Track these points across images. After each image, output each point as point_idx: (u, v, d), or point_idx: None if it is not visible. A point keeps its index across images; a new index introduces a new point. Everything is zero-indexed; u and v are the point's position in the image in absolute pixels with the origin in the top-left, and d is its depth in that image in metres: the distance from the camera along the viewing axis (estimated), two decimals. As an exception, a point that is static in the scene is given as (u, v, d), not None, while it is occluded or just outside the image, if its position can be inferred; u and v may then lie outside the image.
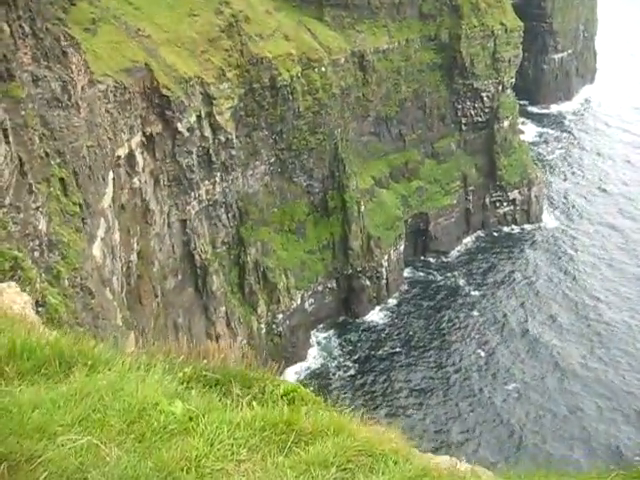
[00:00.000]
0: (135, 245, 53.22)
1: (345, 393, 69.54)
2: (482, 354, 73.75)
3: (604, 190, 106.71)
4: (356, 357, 74.74)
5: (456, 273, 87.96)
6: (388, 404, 67.64)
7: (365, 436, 5.55)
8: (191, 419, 5.22)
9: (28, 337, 6.34)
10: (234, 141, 67.55)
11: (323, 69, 75.93)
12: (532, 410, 65.88)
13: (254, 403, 6.16)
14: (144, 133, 56.74)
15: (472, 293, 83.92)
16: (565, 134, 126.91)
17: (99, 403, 5.22)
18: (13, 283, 10.83)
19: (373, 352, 75.24)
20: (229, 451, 5.06)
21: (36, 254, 24.84)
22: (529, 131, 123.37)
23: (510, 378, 70.24)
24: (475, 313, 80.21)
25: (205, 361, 6.68)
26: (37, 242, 25.16)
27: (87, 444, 4.79)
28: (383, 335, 77.70)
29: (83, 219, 35.83)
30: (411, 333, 77.66)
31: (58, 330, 7.89)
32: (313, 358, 74.70)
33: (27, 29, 32.00)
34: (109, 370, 5.99)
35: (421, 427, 64.48)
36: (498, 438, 63.27)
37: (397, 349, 75.42)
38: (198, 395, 5.93)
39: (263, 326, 71.27)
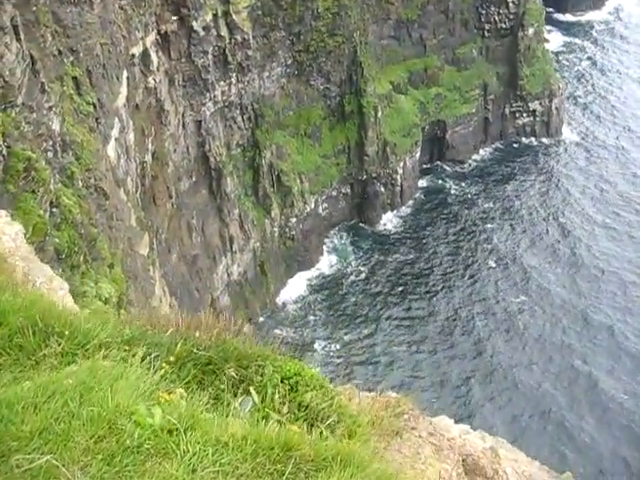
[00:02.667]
0: (150, 146, 53.07)
1: (355, 297, 70.56)
2: (493, 264, 74.15)
3: (629, 105, 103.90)
4: (368, 263, 75.40)
5: (471, 183, 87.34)
6: (399, 311, 68.65)
7: (377, 470, 4.72)
8: (171, 433, 4.37)
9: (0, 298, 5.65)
10: (251, 41, 66.14)
11: (343, -33, 73.38)
12: (540, 323, 66.77)
13: (252, 389, 5.51)
14: (159, 31, 55.65)
15: (486, 205, 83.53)
16: (592, 44, 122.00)
17: (63, 410, 4.38)
18: (3, 212, 10.11)
19: (385, 258, 75.81)
20: None
21: (50, 155, 24.82)
22: (554, 40, 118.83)
23: (521, 290, 70.78)
24: (489, 225, 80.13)
25: (197, 334, 5.84)
26: (50, 142, 25.09)
27: (46, 465, 4.00)
28: (396, 242, 78.08)
29: (97, 119, 35.64)
30: (424, 242, 77.95)
31: (33, 289, 7.03)
32: (325, 263, 75.45)
33: None
34: (85, 350, 5.30)
35: (433, 335, 65.65)
36: (511, 346, 64.46)
37: (409, 256, 75.92)
38: (183, 396, 4.98)
39: (276, 229, 71.73)
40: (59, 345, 5.24)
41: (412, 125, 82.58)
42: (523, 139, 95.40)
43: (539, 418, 57.31)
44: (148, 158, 52.55)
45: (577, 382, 60.16)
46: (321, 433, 5.30)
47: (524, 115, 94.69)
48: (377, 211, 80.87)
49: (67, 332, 5.36)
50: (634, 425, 55.62)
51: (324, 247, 77.50)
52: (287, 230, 72.80)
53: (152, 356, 5.35)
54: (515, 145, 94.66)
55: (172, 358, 5.50)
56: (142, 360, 5.22)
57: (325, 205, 77.92)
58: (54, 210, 23.75)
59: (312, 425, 5.49)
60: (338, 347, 64.43)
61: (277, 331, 66.46)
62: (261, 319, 68.18)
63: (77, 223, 25.47)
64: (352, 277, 73.57)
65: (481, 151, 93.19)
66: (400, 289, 71.48)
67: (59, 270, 23.22)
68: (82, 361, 5.11)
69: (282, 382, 5.75)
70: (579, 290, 70.07)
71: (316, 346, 64.71)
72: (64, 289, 8.87)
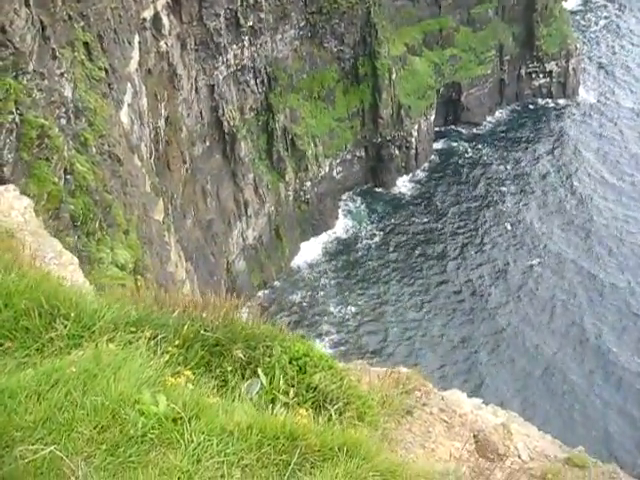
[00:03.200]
0: (163, 111, 52.90)
1: (370, 260, 70.60)
2: (509, 227, 73.80)
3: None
4: (383, 227, 75.29)
5: (486, 146, 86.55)
6: (413, 275, 68.65)
7: (384, 460, 4.64)
8: (175, 422, 4.30)
9: (5, 278, 5.60)
10: (263, 4, 65.39)
11: None
12: (553, 286, 66.67)
13: (259, 371, 5.43)
14: (170, -6, 55.08)
15: (501, 167, 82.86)
16: (610, 4, 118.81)
17: (67, 399, 4.31)
18: (12, 186, 10.05)
19: (400, 222, 75.62)
20: (219, 471, 4.13)
21: (62, 121, 24.78)
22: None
23: (535, 253, 70.50)
24: (503, 188, 79.58)
25: (204, 315, 5.72)
26: (63, 109, 25.04)
27: (50, 456, 3.96)
28: (410, 206, 77.80)
29: (109, 84, 35.49)
30: (438, 205, 77.61)
31: (41, 267, 6.92)
32: (340, 226, 75.41)
33: None
34: (91, 333, 5.24)
35: (446, 298, 65.72)
36: (524, 309, 64.47)
37: (424, 220, 75.69)
38: (190, 379, 4.96)
39: (291, 193, 71.65)
40: (65, 327, 5.17)
41: (427, 87, 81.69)
42: (539, 100, 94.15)
43: (549, 380, 57.52)
44: (161, 123, 52.42)
45: (588, 345, 60.20)
46: (330, 418, 5.24)
47: (540, 76, 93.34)
48: (392, 174, 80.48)
49: (73, 314, 5.30)
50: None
51: (339, 211, 77.39)
52: (302, 194, 72.70)
53: (159, 338, 5.32)
54: (531, 106, 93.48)
55: (179, 341, 5.43)
56: (149, 342, 5.17)
57: (339, 169, 77.64)
58: (68, 177, 23.79)
59: (321, 407, 5.43)
60: (353, 310, 64.66)
61: (293, 296, 66.79)
62: (276, 283, 68.45)
63: (91, 190, 25.51)
64: (367, 240, 73.54)
65: (496, 113, 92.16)
66: (415, 253, 71.37)
67: (75, 237, 23.37)
68: (87, 345, 5.04)
69: (290, 363, 5.67)
70: (592, 253, 69.77)
71: (331, 309, 64.98)
72: (74, 264, 8.83)
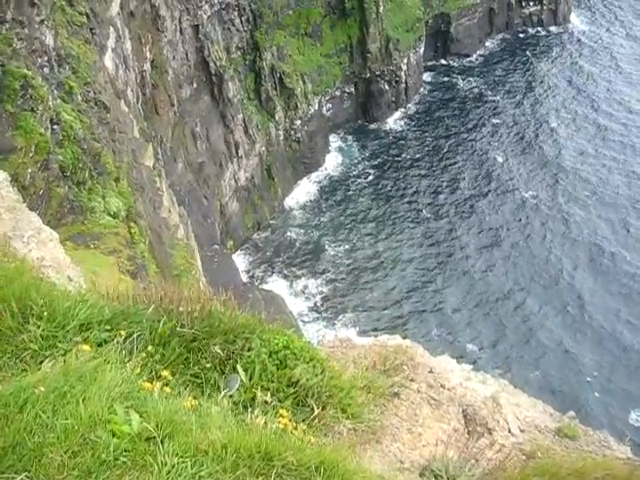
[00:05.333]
0: (148, 54, 52.17)
1: (362, 198, 70.58)
2: (499, 159, 73.63)
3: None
4: (375, 163, 75.05)
5: (477, 77, 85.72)
6: (406, 211, 68.69)
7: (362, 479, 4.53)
8: (149, 441, 4.14)
9: None
10: (245, -62, 63.87)
11: None
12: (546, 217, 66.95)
13: (239, 367, 5.31)
14: None
15: (493, 98, 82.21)
16: None
17: (36, 422, 4.11)
18: None
19: (392, 158, 75.37)
20: None
21: (46, 70, 24.47)
22: None
23: (526, 187, 70.51)
24: (496, 120, 79.08)
25: (181, 309, 5.53)
26: (45, 58, 24.69)
27: None
28: (402, 141, 77.45)
29: (91, 29, 34.89)
30: (430, 139, 77.26)
31: (17, 251, 6.66)
32: (332, 164, 75.18)
33: None
34: (65, 332, 5.09)
35: (439, 234, 65.91)
36: (515, 238, 64.85)
37: (416, 156, 75.41)
38: (169, 381, 4.87)
39: (281, 132, 71.20)
40: (38, 328, 5.01)
41: (415, 19, 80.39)
42: (530, 29, 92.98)
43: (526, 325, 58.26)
44: (147, 67, 51.77)
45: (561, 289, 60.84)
46: (311, 415, 5.18)
47: (530, 4, 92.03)
48: (382, 110, 79.87)
49: (46, 313, 5.12)
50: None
51: (329, 148, 77.04)
52: (292, 133, 72.22)
53: (134, 336, 5.18)
54: (521, 35, 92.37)
55: (155, 339, 5.28)
56: (125, 341, 5.06)
57: (329, 105, 77.00)
58: (55, 127, 23.64)
59: (302, 404, 5.36)
60: (347, 247, 64.94)
61: (287, 235, 66.98)
62: (271, 221, 68.57)
63: (79, 139, 25.36)
64: (359, 178, 73.35)
65: (487, 43, 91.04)
66: (407, 189, 71.31)
67: (65, 188, 23.36)
68: (62, 347, 4.89)
69: (270, 357, 5.52)
70: (585, 180, 69.86)
71: (325, 247, 65.24)
72: (53, 239, 8.66)
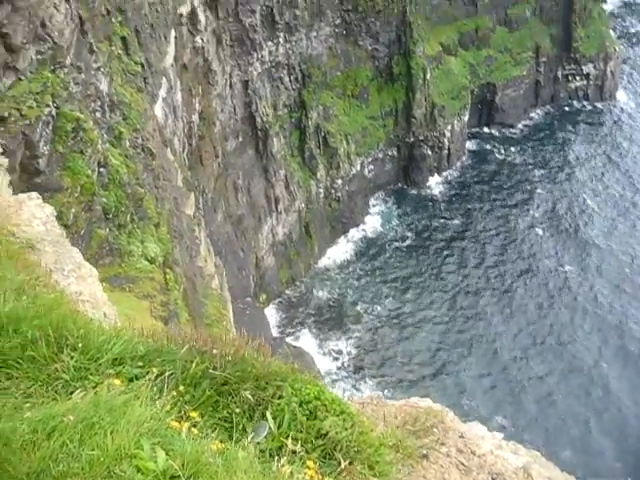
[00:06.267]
0: (197, 105, 53.29)
1: (399, 261, 70.39)
2: (540, 232, 73.06)
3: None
4: (413, 227, 74.99)
5: (520, 148, 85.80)
6: (443, 277, 68.26)
7: None
8: (173, 479, 4.08)
9: (18, 303, 5.45)
10: (299, 1, 65.54)
11: None
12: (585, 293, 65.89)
13: (268, 414, 5.24)
14: (207, -10, 55.46)
15: (533, 170, 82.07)
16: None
17: (62, 450, 4.09)
18: (34, 194, 9.93)
19: (430, 223, 75.26)
20: None
21: (98, 115, 25.12)
22: (612, 0, 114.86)
23: (565, 259, 69.73)
24: (539, 191, 78.78)
25: (214, 351, 5.54)
26: (99, 103, 25.38)
27: None
28: (441, 207, 77.43)
29: (145, 79, 35.85)
30: (470, 207, 77.11)
31: (57, 283, 6.80)
32: (370, 225, 75.31)
33: None
34: (97, 365, 5.12)
35: (474, 302, 65.29)
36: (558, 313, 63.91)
37: (455, 222, 75.22)
38: (197, 423, 4.83)
39: (322, 190, 71.72)
40: (72, 359, 5.03)
41: (461, 87, 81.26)
42: (575, 103, 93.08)
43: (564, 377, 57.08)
44: (195, 118, 52.81)
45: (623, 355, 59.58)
46: (338, 469, 5.06)
47: (577, 78, 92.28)
48: (423, 174, 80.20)
49: (81, 345, 5.14)
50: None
51: (369, 209, 77.31)
52: (332, 191, 72.72)
53: (166, 374, 5.17)
54: (567, 109, 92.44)
55: (185, 380, 5.25)
56: (156, 379, 5.05)
57: (371, 167, 77.54)
58: (102, 170, 24.12)
59: (330, 456, 5.24)
60: (379, 310, 64.57)
61: (320, 293, 66.88)
62: (306, 279, 68.58)
63: (124, 183, 25.82)
64: (396, 242, 73.28)
65: (532, 114, 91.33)
66: (444, 256, 70.95)
67: (106, 230, 23.69)
68: (93, 379, 4.89)
69: (301, 406, 5.41)
70: (617, 258, 68.81)
71: (358, 308, 64.95)
72: (93, 276, 8.77)
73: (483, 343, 61.18)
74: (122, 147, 27.48)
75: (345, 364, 59.24)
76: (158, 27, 40.36)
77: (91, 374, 5.01)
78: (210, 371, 5.37)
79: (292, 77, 68.08)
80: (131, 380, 5.03)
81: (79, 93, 22.82)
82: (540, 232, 73.06)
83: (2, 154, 11.62)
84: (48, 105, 19.48)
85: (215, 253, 46.59)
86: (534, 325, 62.49)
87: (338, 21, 71.18)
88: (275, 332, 59.99)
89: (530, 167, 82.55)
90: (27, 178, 18.00)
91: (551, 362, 59.01)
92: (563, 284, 66.76)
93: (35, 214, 9.23)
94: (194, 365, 5.36)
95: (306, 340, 61.25)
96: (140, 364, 5.24)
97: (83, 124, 21.79)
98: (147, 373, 5.10)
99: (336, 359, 59.76)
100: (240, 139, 62.44)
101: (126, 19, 33.45)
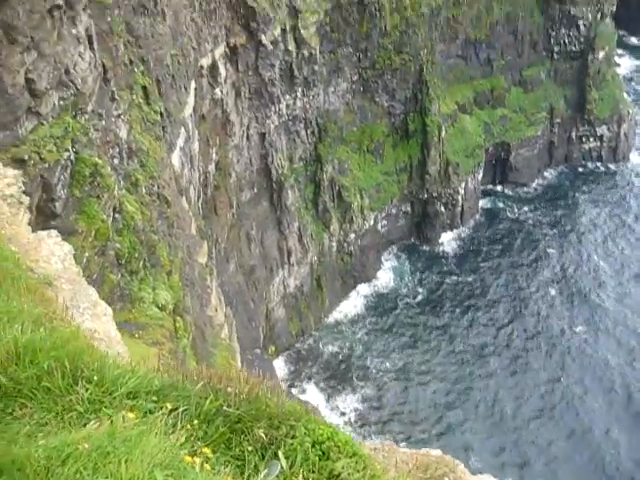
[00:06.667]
0: (214, 156, 53.87)
1: (409, 317, 70.03)
2: (552, 293, 72.55)
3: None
4: (425, 283, 74.79)
5: (534, 207, 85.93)
6: (454, 335, 67.71)
7: None
8: None
9: (35, 334, 5.52)
10: (317, 56, 66.70)
11: (413, -14, 73.49)
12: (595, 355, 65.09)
13: (280, 453, 5.23)
14: (228, 44, 56.53)
15: (549, 230, 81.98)
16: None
17: (76, 477, 4.14)
18: (54, 232, 10.14)
19: (442, 280, 75.05)
20: None
21: (116, 161, 25.38)
22: (625, 64, 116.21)
23: (576, 321, 69.08)
24: (551, 250, 78.58)
25: (229, 389, 5.61)
26: (117, 149, 25.67)
27: None
28: (453, 264, 77.29)
29: (164, 127, 36.32)
30: (482, 265, 76.90)
31: (70, 323, 6.81)
32: (382, 280, 75.15)
33: None
34: (112, 398, 5.17)
35: (484, 362, 64.64)
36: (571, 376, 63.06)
37: (467, 279, 74.92)
38: (209, 459, 4.85)
39: (334, 244, 71.84)
40: (87, 391, 5.08)
41: (475, 146, 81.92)
42: (589, 164, 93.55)
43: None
44: (211, 168, 53.32)
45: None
46: None
47: (591, 140, 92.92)
48: (436, 231, 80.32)
49: (96, 377, 5.19)
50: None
51: (381, 264, 77.24)
52: (345, 245, 72.85)
53: (180, 410, 5.20)
54: (580, 170, 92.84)
55: (199, 417, 5.27)
56: (170, 413, 5.09)
57: (384, 222, 77.77)
58: (117, 216, 24.25)
59: None
60: (388, 366, 64.01)
61: (330, 347, 66.46)
62: (315, 333, 68.23)
63: (138, 229, 25.93)
64: (408, 298, 73.01)
65: (545, 174, 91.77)
66: (455, 313, 70.51)
67: (118, 275, 23.71)
68: (107, 412, 4.91)
69: (313, 447, 5.40)
70: (626, 325, 67.98)
71: (367, 363, 64.41)
72: (107, 315, 8.87)
73: (491, 403, 60.30)
74: (138, 194, 27.68)
75: (352, 420, 58.52)
76: (179, 78, 41.06)
77: (105, 407, 5.03)
78: (224, 408, 5.38)
79: (309, 131, 68.87)
80: (145, 414, 5.05)
81: (98, 139, 23.10)
82: (552, 293, 72.53)
83: (23, 192, 11.77)
84: (68, 150, 19.70)
85: (226, 303, 46.48)
86: (544, 386, 61.62)
87: (355, 77, 72.29)
88: (283, 385, 59.45)
89: (542, 227, 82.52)
90: (43, 220, 18.10)
91: (561, 425, 57.98)
92: (573, 346, 65.99)
93: (54, 251, 9.34)
94: (208, 402, 5.37)
95: (313, 394, 60.64)
96: (154, 399, 5.26)
97: (101, 170, 21.99)
98: (161, 408, 5.12)
99: (343, 414, 59.06)
100: (255, 190, 62.91)
101: (148, 69, 34.06)
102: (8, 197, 10.72)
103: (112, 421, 4.66)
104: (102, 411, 4.96)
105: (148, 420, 4.81)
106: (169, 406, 5.11)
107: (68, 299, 8.01)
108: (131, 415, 4.81)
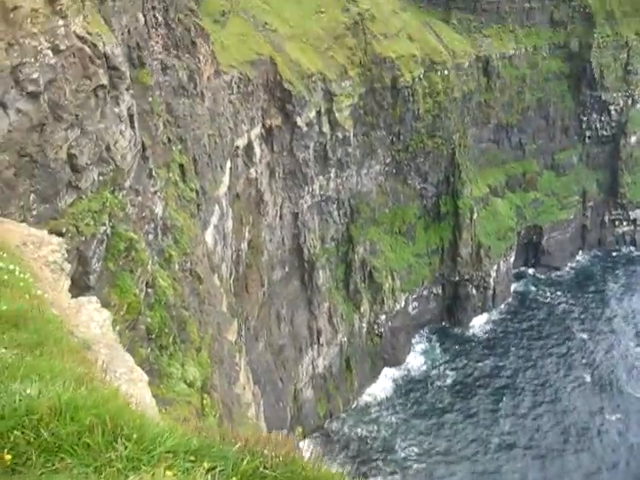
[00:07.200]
0: (247, 234, 54.35)
1: (440, 401, 68.63)
2: (588, 378, 70.80)
3: None
4: (456, 367, 73.53)
5: (567, 292, 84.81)
6: (485, 422, 66.05)
7: None
8: None
9: (76, 392, 5.65)
10: (351, 139, 67.86)
11: (446, 72, 75.06)
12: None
13: None
14: (264, 125, 57.84)
15: (582, 316, 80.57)
16: None
17: None
18: (94, 298, 10.45)
19: (473, 364, 73.77)
20: None
21: (150, 237, 25.71)
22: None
23: (606, 409, 67.14)
24: (584, 336, 77.10)
25: (265, 451, 5.63)
26: (152, 225, 26.04)
27: None
28: (485, 348, 76.07)
29: (198, 205, 36.86)
30: (514, 349, 75.59)
31: (110, 384, 6.97)
32: (412, 363, 74.06)
33: (160, 19, 33.22)
34: (150, 457, 5.20)
35: (517, 452, 62.78)
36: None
37: (499, 364, 73.55)
38: None
39: (364, 325, 71.33)
40: (126, 449, 5.12)
41: (508, 229, 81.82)
42: (623, 248, 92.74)
43: None
44: (244, 246, 53.73)
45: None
46: None
47: (624, 223, 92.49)
48: (468, 314, 79.50)
49: (135, 436, 5.25)
50: None
51: (412, 347, 76.30)
52: (375, 327, 72.27)
53: (217, 470, 5.20)
54: (614, 254, 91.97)
55: (237, 476, 5.25)
56: (207, 473, 5.10)
57: (415, 304, 77.24)
58: (149, 290, 24.40)
59: None
60: (415, 450, 62.43)
61: (358, 430, 65.12)
62: (343, 415, 67.00)
63: (170, 305, 26.03)
64: (438, 381, 71.73)
65: (578, 257, 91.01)
66: (487, 399, 68.95)
67: (148, 350, 23.68)
68: (145, 469, 4.94)
69: None
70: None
71: (395, 446, 62.88)
72: (143, 381, 8.98)
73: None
74: (171, 269, 27.91)
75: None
76: (215, 157, 41.92)
77: (144, 464, 5.03)
78: (261, 470, 5.35)
79: (341, 211, 69.43)
80: (183, 472, 5.07)
81: (135, 214, 23.48)
82: (584, 379, 70.79)
83: (66, 259, 12.03)
84: (104, 224, 20.02)
85: (254, 382, 46.03)
86: (572, 474, 59.44)
87: (388, 160, 73.23)
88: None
89: (574, 311, 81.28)
90: (77, 292, 18.23)
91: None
92: (602, 434, 63.95)
93: (93, 317, 9.57)
94: (245, 462, 5.33)
95: (340, 478, 59.08)
96: (192, 458, 5.24)
97: (136, 244, 22.27)
98: (199, 467, 5.14)
99: (369, 500, 57.51)
100: (286, 269, 63.09)
101: (185, 148, 34.85)
102: (51, 263, 11.02)
103: (154, 474, 4.71)
104: (140, 468, 5.00)
105: (186, 478, 4.84)
106: (206, 465, 5.11)
107: (106, 363, 8.15)
108: (169, 473, 4.85)
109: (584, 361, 73.59)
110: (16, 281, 8.35)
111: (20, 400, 5.31)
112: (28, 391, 5.45)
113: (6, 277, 8.25)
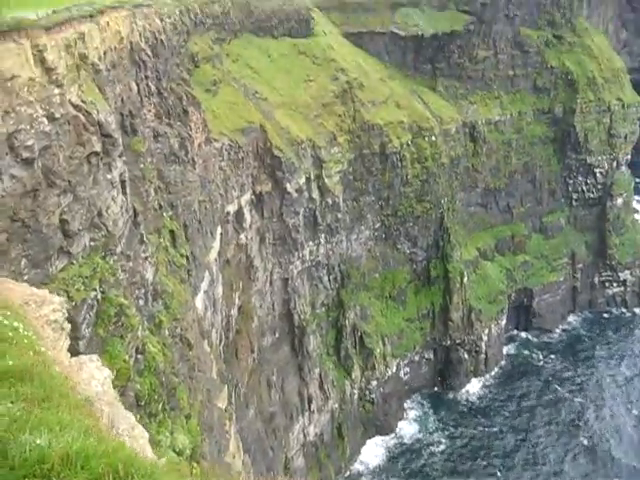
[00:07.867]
0: (237, 300, 54.12)
1: (433, 469, 67.47)
2: (585, 442, 69.94)
3: None
4: (449, 433, 72.55)
5: (559, 354, 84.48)
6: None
7: None
8: None
9: (86, 442, 5.80)
10: (341, 204, 68.40)
11: (433, 138, 76.30)
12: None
13: None
14: (254, 191, 58.28)
15: (572, 377, 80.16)
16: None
17: None
18: (95, 356, 10.62)
19: (467, 430, 72.82)
20: None
21: (141, 302, 25.61)
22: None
23: (616, 471, 66.19)
24: (579, 399, 76.49)
25: None
26: (143, 291, 25.98)
27: None
28: (478, 413, 75.21)
29: (189, 271, 36.82)
30: (507, 414, 74.80)
31: (116, 437, 7.29)
32: (405, 429, 73.01)
33: (153, 88, 33.81)
34: None
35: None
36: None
37: (493, 429, 72.66)
38: None
39: (356, 391, 70.55)
40: None
41: (498, 292, 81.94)
42: (614, 309, 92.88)
43: None
44: (234, 312, 53.44)
45: None
46: None
47: (614, 285, 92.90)
48: (460, 378, 78.87)
49: None
50: None
51: (404, 412, 75.33)
52: (367, 393, 71.49)
53: None
54: (605, 315, 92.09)
55: None
56: None
57: (407, 369, 76.65)
58: (139, 356, 24.15)
59: None
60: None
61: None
62: (335, 484, 65.71)
63: (159, 371, 25.73)
64: (432, 447, 70.64)
65: (569, 319, 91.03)
66: (483, 465, 67.87)
67: (137, 417, 23.29)
68: None
69: None
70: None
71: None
72: (144, 438, 9.11)
73: None
74: (161, 335, 27.70)
75: None
76: (205, 223, 42.07)
77: None
78: None
79: (331, 277, 69.45)
80: None
81: (125, 280, 23.43)
82: (576, 444, 69.86)
83: (66, 319, 12.14)
84: (95, 289, 19.96)
85: (244, 450, 45.17)
86: None
87: (378, 225, 73.72)
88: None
89: (568, 374, 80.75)
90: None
91: None
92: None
93: (94, 375, 9.72)
94: None
95: None
96: None
97: (126, 310, 22.16)
98: None
99: None
100: (277, 335, 62.66)
101: (176, 214, 35.02)
102: (52, 322, 11.15)
103: None
104: None
105: None
106: None
107: (110, 419, 8.23)
108: None
109: (577, 425, 72.78)
110: (20, 338, 8.51)
111: (30, 450, 5.39)
112: (38, 441, 5.53)
113: (11, 334, 8.44)
